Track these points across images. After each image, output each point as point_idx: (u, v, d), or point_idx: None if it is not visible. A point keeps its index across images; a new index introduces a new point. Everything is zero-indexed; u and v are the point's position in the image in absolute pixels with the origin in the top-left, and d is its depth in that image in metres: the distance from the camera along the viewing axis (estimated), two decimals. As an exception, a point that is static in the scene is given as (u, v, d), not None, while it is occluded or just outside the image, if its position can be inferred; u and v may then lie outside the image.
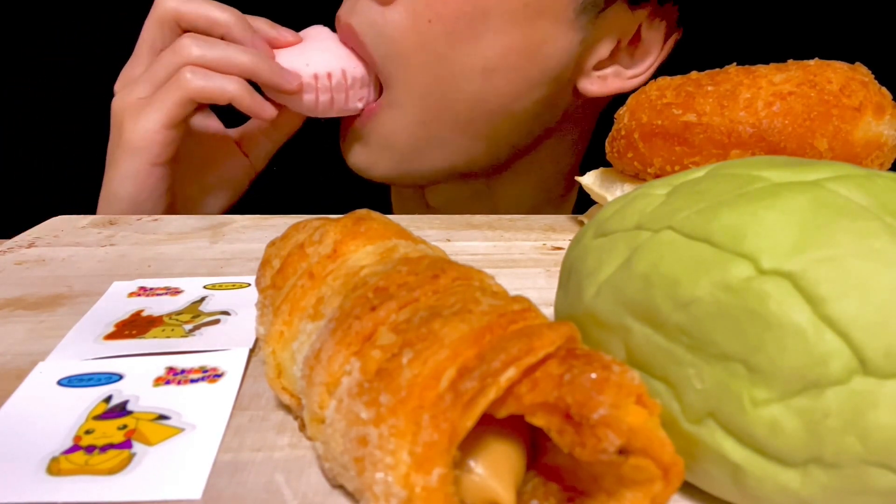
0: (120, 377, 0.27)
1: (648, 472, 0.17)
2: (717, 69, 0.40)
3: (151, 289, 0.35)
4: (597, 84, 0.56)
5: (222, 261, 0.40)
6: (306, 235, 0.25)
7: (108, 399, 0.25)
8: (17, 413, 0.24)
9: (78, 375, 0.27)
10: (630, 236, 0.23)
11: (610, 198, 0.43)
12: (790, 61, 0.39)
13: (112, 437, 0.23)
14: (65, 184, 0.82)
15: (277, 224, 0.47)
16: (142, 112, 0.49)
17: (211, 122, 0.57)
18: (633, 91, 0.43)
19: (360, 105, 0.56)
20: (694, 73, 0.40)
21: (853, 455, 0.17)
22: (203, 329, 0.31)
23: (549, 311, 0.28)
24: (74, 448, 0.22)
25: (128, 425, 0.24)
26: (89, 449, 0.22)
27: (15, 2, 0.82)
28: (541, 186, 0.65)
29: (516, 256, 0.42)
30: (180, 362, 0.28)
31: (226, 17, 0.51)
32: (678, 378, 0.20)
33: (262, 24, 0.54)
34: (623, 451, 0.17)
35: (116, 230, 0.45)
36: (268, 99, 0.52)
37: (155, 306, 0.33)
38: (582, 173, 0.47)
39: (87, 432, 0.23)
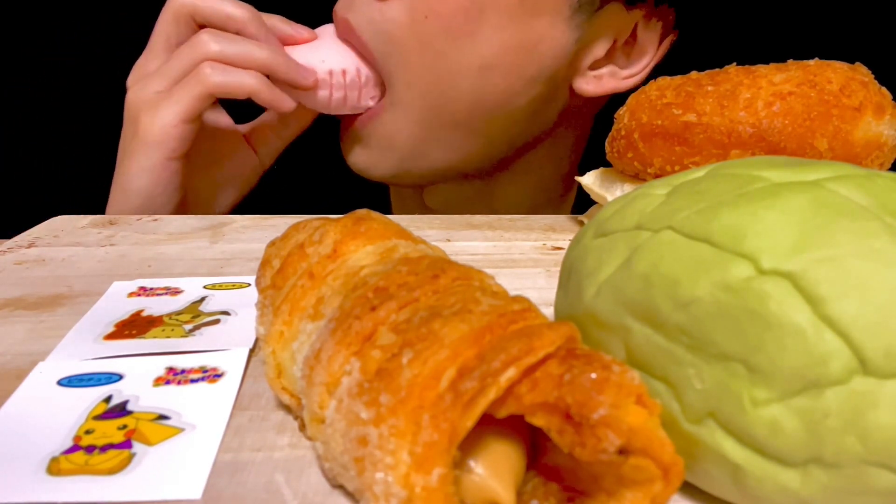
0: (120, 377, 0.27)
1: (648, 472, 0.17)
2: (717, 69, 0.40)
3: (151, 289, 0.35)
4: (592, 84, 0.56)
5: (222, 261, 0.40)
6: (306, 235, 0.25)
7: (108, 399, 0.25)
8: (17, 413, 0.24)
9: (78, 375, 0.27)
10: (630, 236, 0.23)
11: (610, 198, 0.43)
12: (790, 61, 0.39)
13: (112, 437, 0.23)
14: (65, 184, 0.82)
15: (277, 224, 0.47)
16: (159, 106, 0.49)
17: (221, 118, 0.57)
18: (629, 91, 0.44)
19: (371, 103, 0.56)
20: (694, 73, 0.40)
21: (853, 455, 0.17)
22: (203, 329, 0.31)
23: (549, 311, 0.28)
24: (74, 448, 0.22)
25: (128, 425, 0.24)
26: (89, 449, 0.22)
27: (15, 2, 0.82)
28: (539, 187, 0.65)
29: (516, 256, 0.42)
30: (180, 362, 0.28)
31: (241, 13, 0.51)
32: (678, 378, 0.20)
33: (278, 21, 0.54)
34: (623, 451, 0.17)
35: (116, 230, 0.45)
36: None
37: (155, 306, 0.33)
38: (582, 173, 0.47)
39: (87, 432, 0.23)
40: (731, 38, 0.61)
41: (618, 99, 0.57)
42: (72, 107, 0.85)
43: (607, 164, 0.45)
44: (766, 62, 0.39)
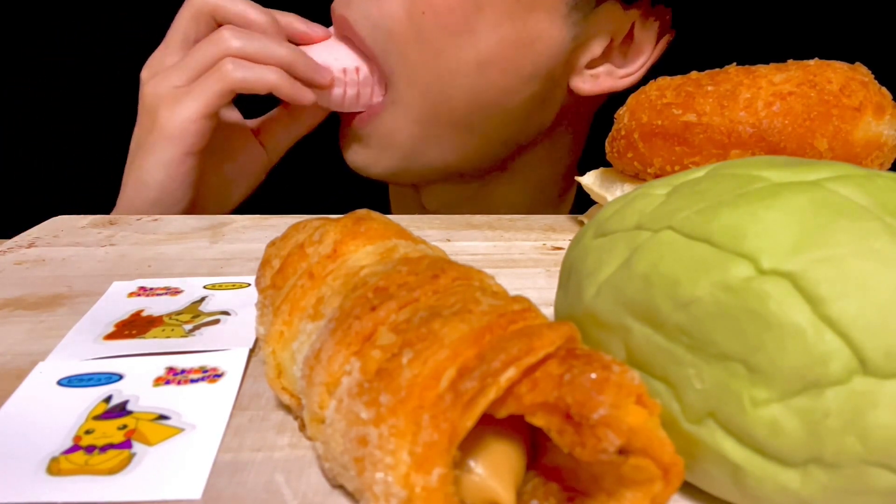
0: (120, 377, 0.27)
1: (648, 472, 0.17)
2: (717, 69, 0.40)
3: (151, 289, 0.35)
4: (589, 82, 0.56)
5: (222, 261, 0.40)
6: (306, 235, 0.25)
7: (108, 399, 0.25)
8: (17, 413, 0.24)
9: (78, 375, 0.27)
10: (630, 236, 0.23)
11: (610, 198, 0.43)
12: (790, 61, 0.39)
13: (112, 437, 0.23)
14: (65, 184, 0.82)
15: (277, 224, 0.47)
16: (179, 101, 0.49)
17: (231, 114, 0.57)
18: (627, 91, 0.44)
19: (381, 99, 0.56)
20: (694, 73, 0.40)
21: (853, 455, 0.17)
22: (203, 329, 0.31)
23: (549, 311, 0.28)
24: (74, 448, 0.22)
25: (128, 425, 0.24)
26: (89, 449, 0.22)
27: (15, 2, 0.82)
28: (537, 187, 0.65)
29: (516, 256, 0.42)
30: (180, 362, 0.28)
31: (261, 17, 0.52)
32: (678, 378, 0.20)
33: (293, 19, 0.55)
34: (623, 451, 0.17)
35: (116, 230, 0.45)
36: None
37: (155, 306, 0.33)
38: (581, 173, 0.47)
39: (87, 432, 0.23)
40: (728, 38, 0.61)
41: (617, 99, 0.57)
42: (72, 107, 0.85)
43: (607, 164, 0.45)
44: (766, 62, 0.39)
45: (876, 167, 0.36)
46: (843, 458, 0.17)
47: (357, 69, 0.55)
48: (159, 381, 0.26)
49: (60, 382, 0.26)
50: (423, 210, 0.67)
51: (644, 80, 0.52)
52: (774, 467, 0.18)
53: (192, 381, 0.26)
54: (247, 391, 0.26)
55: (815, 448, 0.18)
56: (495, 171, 0.62)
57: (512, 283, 0.37)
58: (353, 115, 0.57)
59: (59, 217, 0.48)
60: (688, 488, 0.21)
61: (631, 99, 0.42)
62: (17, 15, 0.83)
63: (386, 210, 0.73)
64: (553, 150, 0.63)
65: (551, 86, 0.55)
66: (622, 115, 0.42)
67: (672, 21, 0.57)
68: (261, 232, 0.46)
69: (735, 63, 0.40)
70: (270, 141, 0.58)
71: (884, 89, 0.37)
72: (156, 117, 0.50)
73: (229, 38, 0.50)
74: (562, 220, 0.49)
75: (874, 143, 0.36)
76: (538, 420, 0.17)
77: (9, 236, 0.44)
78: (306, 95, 0.52)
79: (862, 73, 0.37)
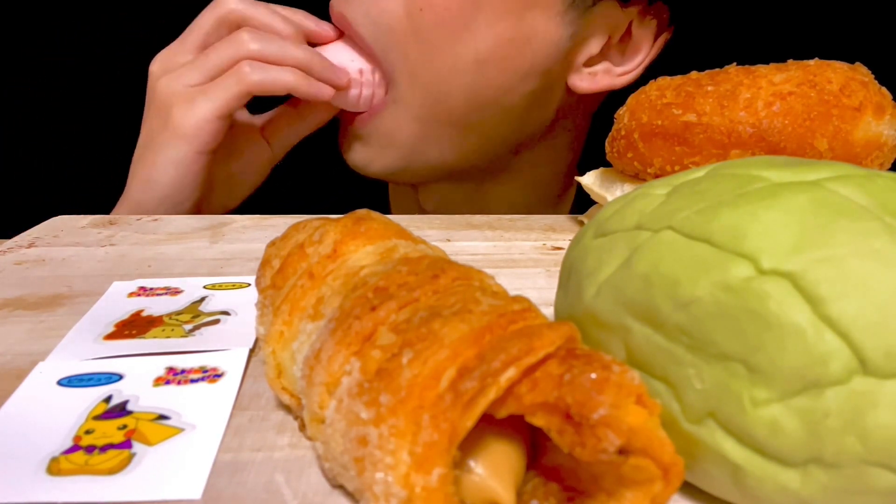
0: (120, 377, 0.27)
1: (648, 472, 0.17)
2: (717, 69, 0.40)
3: (151, 289, 0.35)
4: (587, 80, 0.56)
5: (222, 261, 0.40)
6: (306, 235, 0.25)
7: (108, 399, 0.25)
8: (17, 413, 0.24)
9: (78, 375, 0.27)
10: (630, 236, 0.23)
11: (610, 198, 0.43)
12: (790, 61, 0.39)
13: (112, 437, 0.23)
14: (65, 184, 0.82)
15: (277, 224, 0.47)
16: (194, 100, 0.49)
17: (240, 112, 0.57)
18: (626, 90, 0.44)
19: (383, 99, 0.57)
20: (694, 73, 0.40)
21: (853, 455, 0.17)
22: (203, 329, 0.31)
23: (549, 311, 0.28)
24: (74, 448, 0.22)
25: (128, 425, 0.24)
26: (89, 449, 0.22)
27: (15, 2, 0.82)
28: (536, 187, 0.66)
29: (516, 256, 0.42)
30: (180, 362, 0.28)
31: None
32: (678, 378, 0.20)
33: (303, 18, 0.55)
34: (623, 451, 0.17)
35: (116, 230, 0.45)
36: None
37: (155, 306, 0.33)
38: (581, 173, 0.47)
39: (87, 432, 0.23)
40: (727, 36, 0.61)
41: (617, 99, 0.57)
42: (72, 107, 0.85)
43: (607, 164, 0.45)
44: (766, 62, 0.39)
45: (876, 167, 0.36)
46: (843, 458, 0.17)
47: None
48: (159, 381, 0.26)
49: (60, 382, 0.26)
50: (423, 210, 0.67)
51: (643, 80, 0.52)
52: (774, 467, 0.18)
53: (192, 381, 0.26)
54: (247, 391, 0.26)
55: (815, 448, 0.18)
56: (494, 171, 0.62)
57: (512, 283, 0.37)
58: (353, 114, 0.57)
59: (59, 217, 0.48)
60: (688, 488, 0.21)
61: (631, 99, 0.42)
62: (17, 15, 0.83)
63: (386, 210, 0.73)
64: (552, 150, 0.63)
65: (549, 84, 0.56)
66: (622, 115, 0.42)
67: (670, 18, 0.57)
68: (261, 232, 0.46)
69: (735, 63, 0.40)
70: (276, 138, 0.58)
71: (884, 89, 0.37)
72: (169, 115, 0.50)
73: (248, 41, 0.50)
74: (562, 220, 0.49)
75: (874, 143, 0.36)
76: (538, 420, 0.17)
77: (9, 236, 0.44)
78: (324, 91, 0.52)
79: (862, 73, 0.37)
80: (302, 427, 0.23)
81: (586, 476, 0.19)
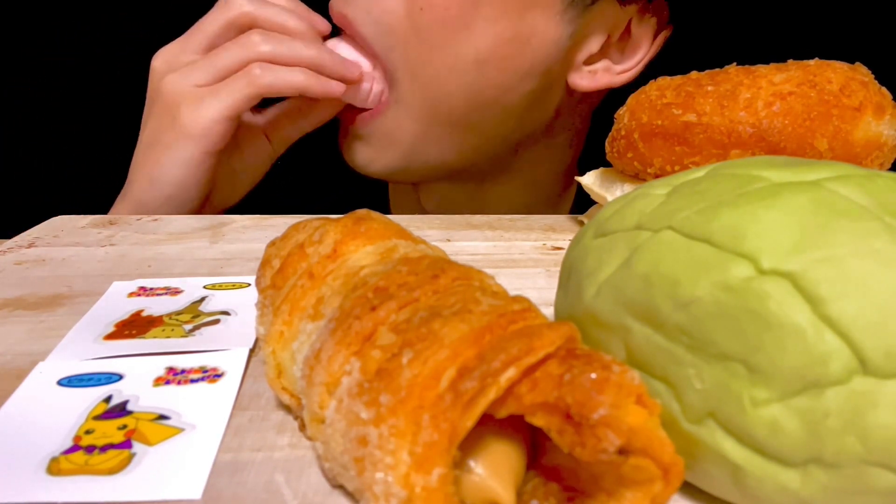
0: (120, 377, 0.27)
1: (648, 472, 0.17)
2: (717, 69, 0.40)
3: (151, 289, 0.35)
4: (587, 78, 0.57)
5: (222, 261, 0.40)
6: (306, 235, 0.25)
7: (108, 399, 0.25)
8: (17, 413, 0.24)
9: (78, 375, 0.27)
10: (630, 236, 0.23)
11: (610, 198, 0.43)
12: (790, 61, 0.39)
13: (112, 437, 0.23)
14: (65, 184, 0.82)
15: (277, 224, 0.47)
16: (203, 100, 0.49)
17: None
18: (625, 88, 0.44)
19: (385, 99, 0.57)
20: (694, 73, 0.40)
21: (853, 455, 0.17)
22: (203, 329, 0.31)
23: (549, 311, 0.28)
24: (74, 448, 0.22)
25: (128, 425, 0.24)
26: (89, 449, 0.22)
27: (15, 2, 0.82)
28: (536, 186, 0.66)
29: (516, 256, 0.42)
30: (180, 362, 0.28)
31: (299, 25, 0.52)
32: (678, 378, 0.20)
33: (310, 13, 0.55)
34: (623, 451, 0.17)
35: (116, 230, 0.45)
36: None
37: (155, 306, 0.33)
38: (581, 173, 0.47)
39: (87, 432, 0.23)
40: (726, 35, 0.61)
41: (617, 98, 0.57)
42: (72, 107, 0.85)
43: (607, 164, 0.45)
44: (766, 62, 0.39)
45: (876, 167, 0.36)
46: (843, 458, 0.17)
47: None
48: (159, 381, 0.26)
49: (60, 382, 0.26)
50: (423, 210, 0.67)
51: (643, 78, 0.52)
52: (774, 467, 0.18)
53: (192, 381, 0.26)
54: (247, 391, 0.26)
55: (815, 448, 0.18)
56: (494, 170, 0.62)
57: (512, 283, 0.37)
58: (353, 114, 0.57)
59: (59, 217, 0.48)
60: (688, 488, 0.21)
61: (631, 99, 0.42)
62: (17, 15, 0.83)
63: (386, 210, 0.73)
64: (552, 149, 0.63)
65: (549, 83, 0.56)
66: (622, 115, 0.42)
67: (669, 16, 0.57)
68: (261, 232, 0.46)
69: (735, 63, 0.40)
70: (277, 135, 0.58)
71: (884, 89, 0.37)
72: (177, 114, 0.50)
73: (258, 43, 0.50)
74: (562, 220, 0.49)
75: (874, 143, 0.36)
76: (538, 420, 0.17)
77: (9, 236, 0.44)
78: (335, 89, 0.52)
79: (862, 73, 0.37)
80: (302, 427, 0.23)
81: (586, 476, 0.19)
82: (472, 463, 0.18)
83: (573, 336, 0.19)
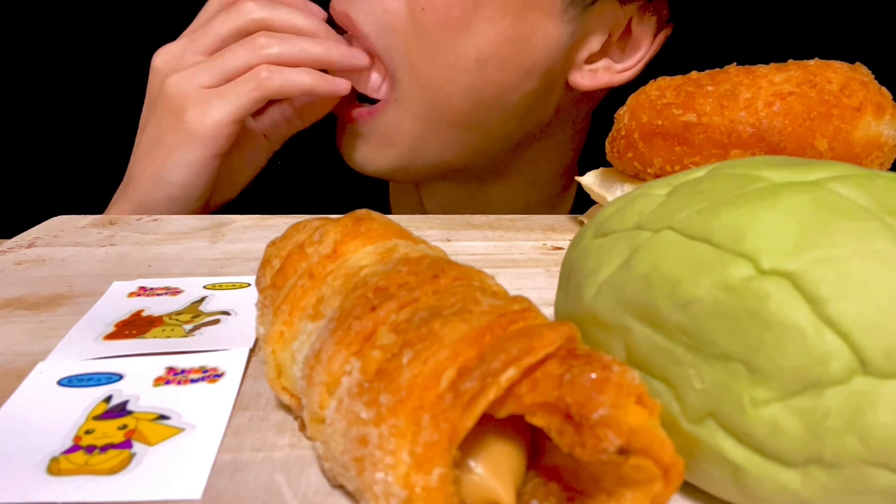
0: (120, 377, 0.27)
1: (648, 472, 0.17)
2: (717, 69, 0.40)
3: (151, 289, 0.35)
4: (588, 77, 0.57)
5: (222, 261, 0.40)
6: (306, 235, 0.25)
7: (108, 399, 0.25)
8: (17, 413, 0.24)
9: (78, 375, 0.27)
10: (630, 236, 0.23)
11: (610, 198, 0.43)
12: (790, 61, 0.39)
13: (112, 437, 0.23)
14: (65, 184, 0.82)
15: (277, 224, 0.47)
16: (209, 103, 0.49)
17: None
18: (625, 88, 0.44)
19: (386, 98, 0.57)
20: (694, 73, 0.40)
21: (853, 455, 0.17)
22: (203, 329, 0.31)
23: (549, 311, 0.28)
24: (74, 448, 0.22)
25: (128, 425, 0.24)
26: (89, 449, 0.22)
27: (15, 2, 0.82)
28: (536, 186, 0.66)
29: (516, 256, 0.42)
30: (180, 362, 0.28)
31: (310, 24, 0.52)
32: (678, 378, 0.20)
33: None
34: (623, 451, 0.17)
35: (116, 230, 0.45)
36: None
37: (155, 306, 0.33)
38: (581, 173, 0.47)
39: (87, 432, 0.23)
40: (727, 33, 0.61)
41: (617, 98, 0.57)
42: (72, 107, 0.85)
43: (607, 164, 0.45)
44: (766, 62, 0.39)
45: (876, 167, 0.36)
46: (843, 458, 0.17)
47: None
48: (159, 381, 0.26)
49: (60, 382, 0.26)
50: (423, 209, 0.67)
51: (643, 77, 0.52)
52: (774, 467, 0.18)
53: (192, 381, 0.26)
54: (247, 391, 0.26)
55: (815, 448, 0.18)
56: (495, 169, 0.62)
57: (512, 283, 0.37)
58: (352, 112, 0.57)
59: (59, 217, 0.48)
60: (688, 488, 0.21)
61: (631, 99, 0.42)
62: (17, 15, 0.83)
63: (386, 210, 0.73)
64: (552, 148, 0.63)
65: (549, 82, 0.56)
66: (622, 115, 0.42)
67: (670, 15, 0.57)
68: (261, 232, 0.46)
69: (735, 63, 0.40)
70: (274, 132, 0.58)
71: (884, 89, 0.37)
72: (182, 116, 0.49)
73: (266, 45, 0.50)
74: (562, 220, 0.49)
75: (874, 143, 0.36)
76: (538, 420, 0.17)
77: (9, 236, 0.44)
78: (342, 87, 0.52)
79: (862, 73, 0.37)
80: (302, 427, 0.23)
81: (586, 476, 0.19)
82: (472, 463, 0.18)
83: (573, 336, 0.19)
